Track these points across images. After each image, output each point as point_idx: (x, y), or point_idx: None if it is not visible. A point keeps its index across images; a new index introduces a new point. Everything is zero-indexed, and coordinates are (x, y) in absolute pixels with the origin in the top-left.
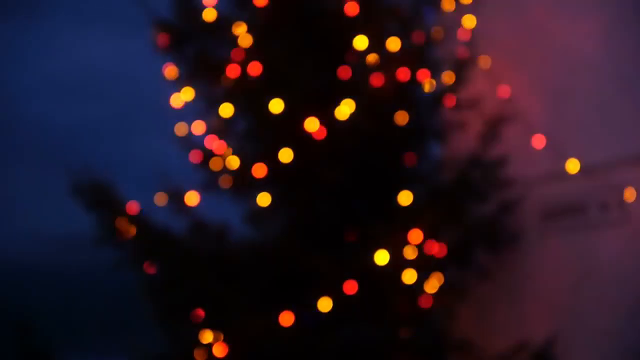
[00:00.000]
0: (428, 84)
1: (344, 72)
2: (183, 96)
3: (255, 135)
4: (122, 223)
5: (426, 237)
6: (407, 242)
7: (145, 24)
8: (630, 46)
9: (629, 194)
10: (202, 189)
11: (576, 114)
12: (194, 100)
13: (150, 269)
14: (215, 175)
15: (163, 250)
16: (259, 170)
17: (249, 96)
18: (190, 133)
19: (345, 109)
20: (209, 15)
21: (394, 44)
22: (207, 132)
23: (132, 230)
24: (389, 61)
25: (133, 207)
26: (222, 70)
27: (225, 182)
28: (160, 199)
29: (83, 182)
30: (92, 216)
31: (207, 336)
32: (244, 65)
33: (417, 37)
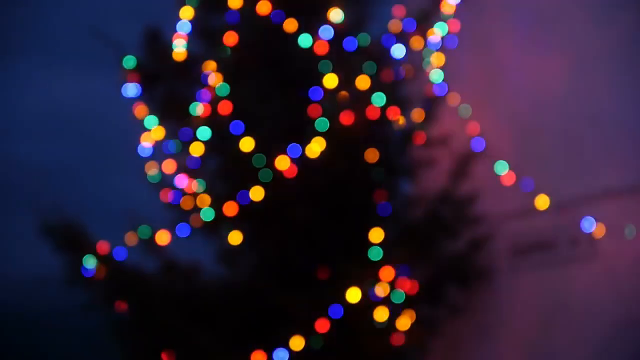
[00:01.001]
0: (398, 122)
1: (314, 111)
2: (153, 135)
3: (225, 173)
4: (92, 263)
5: (397, 275)
6: (378, 280)
7: (115, 64)
8: (598, 83)
9: (598, 230)
10: (172, 228)
11: (545, 150)
12: (164, 139)
13: (120, 309)
14: (186, 214)
15: (133, 290)
16: (230, 208)
17: (219, 135)
18: (160, 172)
19: (315, 147)
20: (179, 54)
21: (363, 82)
22: (178, 171)
23: (102, 271)
24: (358, 99)
25: (103, 247)
26: (193, 109)
27: (196, 221)
28: (131, 238)
29: (52, 222)
30: (61, 257)
31: None
32: (214, 104)
33: (387, 75)
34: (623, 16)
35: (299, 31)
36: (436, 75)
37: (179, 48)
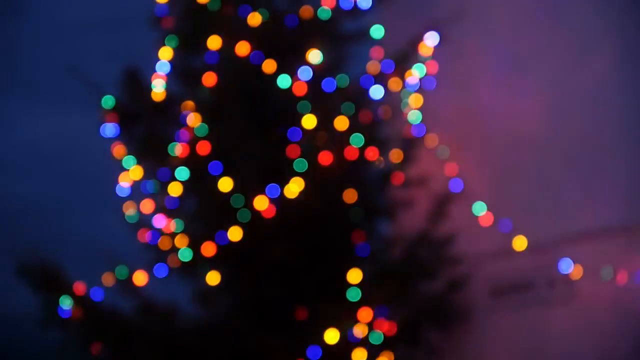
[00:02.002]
0: (376, 162)
1: (293, 151)
2: (131, 175)
3: (204, 214)
4: (68, 304)
5: (376, 316)
6: (357, 321)
7: (94, 103)
8: (574, 125)
9: (575, 271)
10: (150, 269)
11: (522, 191)
12: (142, 179)
13: (96, 350)
14: (164, 254)
15: (110, 331)
16: (208, 248)
17: (198, 175)
18: (138, 212)
19: (294, 187)
20: (158, 95)
21: (341, 122)
22: (156, 211)
23: (79, 311)
24: (337, 140)
25: (80, 287)
26: (171, 150)
27: (173, 262)
28: (108, 278)
29: (29, 263)
30: (38, 297)
31: None
32: (192, 144)
33: (365, 116)
34: (598, 60)
35: (278, 72)
36: (414, 117)
37: (158, 88)
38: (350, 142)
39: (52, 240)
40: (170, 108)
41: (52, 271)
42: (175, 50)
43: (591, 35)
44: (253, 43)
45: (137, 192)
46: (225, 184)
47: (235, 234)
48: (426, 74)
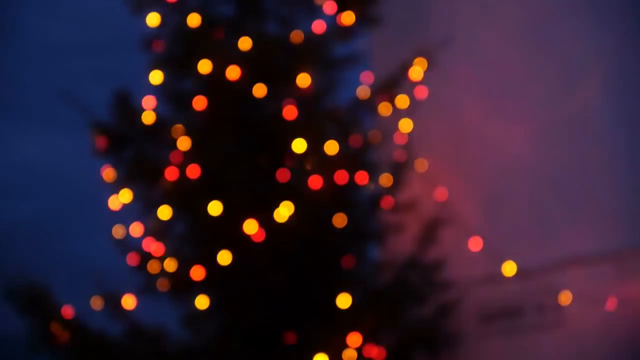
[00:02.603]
0: (366, 187)
1: (283, 175)
2: (121, 198)
3: (193, 237)
4: (56, 327)
5: (365, 341)
6: (346, 346)
7: (83, 124)
8: (563, 150)
9: (564, 297)
10: (139, 292)
11: (511, 216)
12: (131, 202)
13: None
14: (153, 277)
15: (98, 355)
16: (197, 272)
17: (187, 198)
18: (128, 235)
19: (284, 212)
20: (148, 118)
21: (332, 147)
22: (145, 235)
23: (67, 335)
24: (327, 164)
25: (68, 311)
26: (161, 173)
27: (162, 285)
28: (96, 302)
29: (17, 285)
30: (25, 320)
31: None
32: (182, 168)
33: (355, 141)
34: (587, 85)
35: (268, 96)
36: (404, 141)
37: (148, 111)
38: (340, 166)
39: (40, 262)
40: (161, 131)
41: (40, 294)
42: (166, 73)
43: (580, 60)
44: (243, 67)
45: (127, 214)
46: (215, 208)
47: (224, 258)
48: (416, 99)
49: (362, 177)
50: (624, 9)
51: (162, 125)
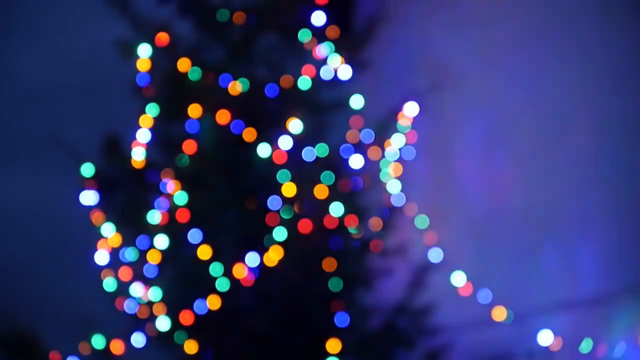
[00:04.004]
0: (356, 231)
1: (272, 219)
2: (110, 242)
3: (182, 282)
4: None
5: None
6: None
7: (73, 169)
8: (552, 195)
9: (555, 343)
10: (127, 337)
11: (502, 261)
12: (121, 247)
13: None
14: (142, 322)
15: None
16: (186, 317)
17: (177, 243)
18: (116, 279)
19: (273, 256)
20: (138, 162)
21: (321, 191)
22: (134, 279)
23: None
24: (316, 209)
25: (55, 357)
26: (150, 217)
27: (151, 330)
28: (84, 347)
29: (4, 330)
30: None
31: None
32: (172, 212)
33: (345, 185)
34: (576, 131)
35: (258, 140)
36: (393, 186)
37: (138, 156)
38: (330, 211)
39: (28, 307)
40: (150, 175)
41: (27, 339)
42: (156, 118)
43: (569, 107)
44: (233, 112)
45: (116, 259)
46: (204, 252)
47: (213, 302)
48: (405, 143)
49: (351, 221)
50: (612, 56)
51: (151, 170)
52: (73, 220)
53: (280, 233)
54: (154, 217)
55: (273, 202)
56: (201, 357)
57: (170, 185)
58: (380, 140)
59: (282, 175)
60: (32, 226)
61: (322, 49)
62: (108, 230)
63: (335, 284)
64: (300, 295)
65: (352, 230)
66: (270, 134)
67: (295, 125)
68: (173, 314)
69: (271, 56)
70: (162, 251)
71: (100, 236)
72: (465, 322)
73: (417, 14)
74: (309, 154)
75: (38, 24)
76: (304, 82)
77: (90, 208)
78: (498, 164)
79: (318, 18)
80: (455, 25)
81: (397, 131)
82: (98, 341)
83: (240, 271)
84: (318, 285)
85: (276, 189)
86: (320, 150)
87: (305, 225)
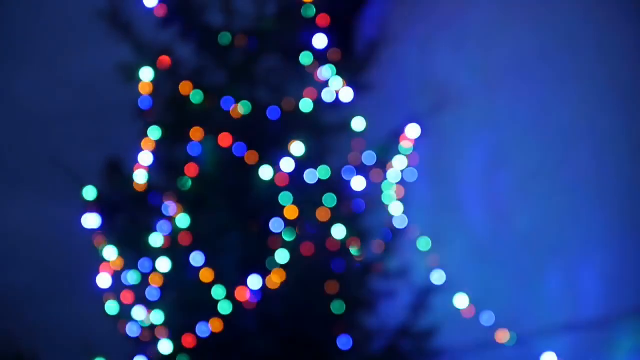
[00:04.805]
0: (358, 254)
1: (274, 242)
2: (112, 266)
3: (185, 305)
4: None
5: None
6: None
7: (75, 192)
8: (555, 218)
9: None
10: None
11: (505, 283)
12: (123, 270)
13: None
14: (144, 346)
15: None
16: (188, 340)
17: (179, 266)
18: (119, 303)
19: (275, 278)
20: (140, 185)
21: (323, 214)
22: (136, 302)
23: None
24: (319, 231)
25: None
26: (152, 240)
27: (154, 353)
28: None
29: (5, 354)
30: None
31: None
32: (174, 235)
33: (347, 207)
34: (578, 154)
35: (260, 163)
36: (396, 208)
37: (140, 178)
38: (332, 233)
39: (29, 330)
40: (152, 198)
41: None
42: (158, 141)
43: (571, 127)
44: (235, 134)
45: (118, 282)
46: (207, 275)
47: (216, 325)
48: (407, 166)
49: (353, 244)
50: (613, 76)
51: (153, 193)
52: (75, 243)
53: (282, 255)
54: (156, 240)
55: (275, 224)
56: None
57: (172, 208)
58: (382, 163)
59: (284, 197)
60: (34, 249)
61: (324, 72)
62: (110, 253)
63: (337, 307)
64: (302, 318)
65: (354, 252)
66: (272, 157)
67: (297, 147)
68: (175, 337)
69: (273, 79)
70: (164, 274)
71: (102, 259)
72: (468, 345)
73: (419, 36)
74: (311, 176)
75: (40, 47)
76: (306, 105)
77: (92, 231)
78: (500, 186)
79: (320, 41)
80: (456, 47)
81: (399, 153)
82: None
83: (242, 294)
84: (320, 308)
85: (278, 211)
86: (322, 172)
87: (307, 248)
